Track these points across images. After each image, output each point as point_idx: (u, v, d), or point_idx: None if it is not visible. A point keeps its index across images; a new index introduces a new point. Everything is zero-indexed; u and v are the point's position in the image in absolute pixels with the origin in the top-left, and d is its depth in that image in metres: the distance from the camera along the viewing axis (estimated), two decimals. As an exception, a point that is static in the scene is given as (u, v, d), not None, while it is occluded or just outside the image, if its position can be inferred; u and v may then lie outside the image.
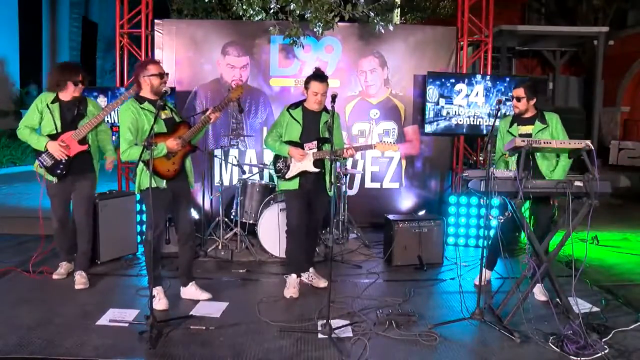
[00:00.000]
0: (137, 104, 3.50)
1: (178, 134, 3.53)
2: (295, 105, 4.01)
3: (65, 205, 4.10)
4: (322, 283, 4.10)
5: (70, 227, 4.17)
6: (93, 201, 4.31)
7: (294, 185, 3.95)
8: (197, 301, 3.74)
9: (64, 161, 3.91)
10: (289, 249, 4.09)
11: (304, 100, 3.99)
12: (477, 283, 3.95)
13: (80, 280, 4.04)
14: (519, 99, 3.93)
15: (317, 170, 3.93)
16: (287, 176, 3.95)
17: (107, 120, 5.29)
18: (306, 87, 3.91)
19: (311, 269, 4.20)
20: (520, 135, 3.90)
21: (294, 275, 4.01)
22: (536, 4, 14.75)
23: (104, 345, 3.03)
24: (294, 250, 4.04)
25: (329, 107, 3.54)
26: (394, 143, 3.97)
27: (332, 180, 3.40)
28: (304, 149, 3.92)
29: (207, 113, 3.59)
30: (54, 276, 4.15)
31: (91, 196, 4.19)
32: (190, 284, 3.82)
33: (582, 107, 12.86)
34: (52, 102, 3.92)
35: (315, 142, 3.93)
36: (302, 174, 3.93)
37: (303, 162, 3.91)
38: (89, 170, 4.09)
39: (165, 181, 3.51)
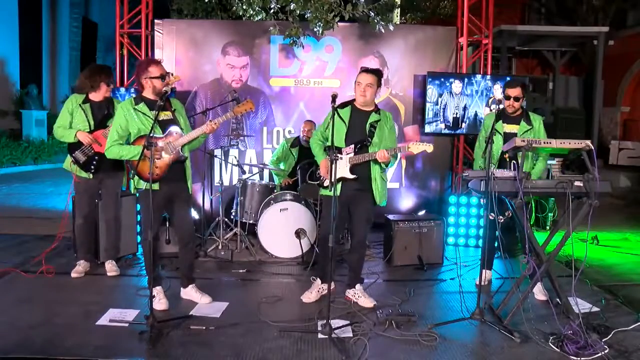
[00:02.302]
0: (131, 105, 3.50)
1: (168, 139, 3.48)
2: (344, 104, 3.77)
3: (91, 202, 4.30)
4: (369, 303, 3.75)
5: (92, 225, 4.36)
6: (119, 198, 4.48)
7: (335, 192, 3.68)
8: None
9: (96, 158, 4.13)
10: (320, 256, 3.94)
11: (354, 100, 3.78)
12: (478, 283, 3.97)
13: (112, 268, 4.33)
14: (517, 99, 3.94)
15: (353, 177, 3.65)
16: (325, 184, 3.76)
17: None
18: (355, 81, 3.71)
19: (358, 286, 3.87)
20: (505, 134, 3.97)
21: (319, 281, 3.90)
22: (536, 4, 14.74)
23: (104, 345, 3.03)
24: (324, 258, 3.85)
25: (332, 106, 3.44)
26: (426, 143, 3.63)
27: (333, 179, 3.36)
28: (341, 153, 3.68)
29: (204, 126, 3.49)
30: (73, 274, 4.21)
31: (118, 193, 4.41)
32: (190, 286, 3.81)
33: (582, 107, 12.84)
34: (84, 103, 4.15)
35: (353, 146, 3.65)
36: (341, 181, 3.69)
37: (340, 168, 3.63)
38: (118, 168, 4.28)
39: (157, 182, 3.47)
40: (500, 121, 3.99)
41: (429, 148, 3.63)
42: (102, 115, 4.17)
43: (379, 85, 3.70)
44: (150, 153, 3.20)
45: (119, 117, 3.51)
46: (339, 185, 3.69)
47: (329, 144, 3.66)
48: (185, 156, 3.59)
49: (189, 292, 3.79)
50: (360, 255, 3.90)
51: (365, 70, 3.71)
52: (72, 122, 4.12)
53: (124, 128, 3.50)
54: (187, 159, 3.65)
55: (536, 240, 3.49)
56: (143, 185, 3.48)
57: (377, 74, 3.69)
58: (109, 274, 4.30)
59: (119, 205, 4.42)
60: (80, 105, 4.12)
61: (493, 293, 3.94)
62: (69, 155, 4.19)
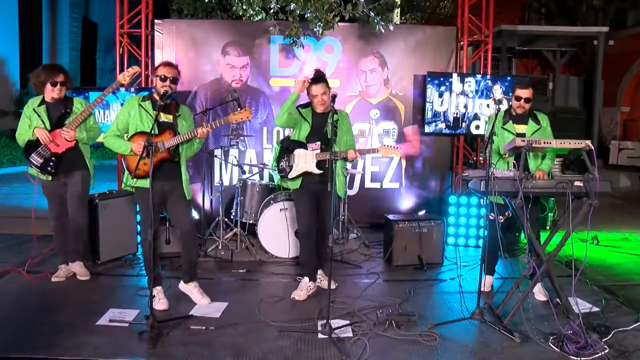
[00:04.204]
0: (138, 100, 3.57)
1: (161, 138, 3.50)
2: (306, 105, 3.98)
3: (60, 204, 4.13)
4: (331, 286, 4.05)
5: (66, 228, 4.19)
6: (86, 199, 4.27)
7: (295, 184, 3.93)
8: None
9: (53, 159, 3.95)
10: (302, 252, 4.06)
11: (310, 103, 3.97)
12: (484, 289, 3.99)
13: (81, 271, 4.21)
14: (528, 100, 3.86)
15: (319, 172, 3.87)
16: (289, 176, 3.92)
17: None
18: (307, 93, 3.89)
19: (320, 271, 4.14)
20: (517, 134, 3.91)
21: (306, 279, 3.97)
22: (536, 4, 14.74)
23: (104, 345, 3.03)
24: (307, 254, 3.99)
25: (331, 106, 3.51)
26: (397, 148, 3.96)
27: (332, 179, 3.38)
28: (307, 149, 3.89)
29: (194, 128, 3.54)
30: (53, 279, 4.15)
31: (83, 194, 4.15)
32: (193, 283, 3.80)
33: (582, 107, 12.85)
34: (39, 105, 3.97)
35: (319, 143, 3.88)
36: (305, 175, 3.90)
37: (306, 162, 3.87)
38: (80, 167, 4.09)
39: (146, 180, 3.47)
40: (511, 121, 3.94)
41: (398, 153, 3.91)
42: (58, 115, 3.97)
43: (329, 87, 3.86)
44: (150, 153, 3.21)
45: (123, 110, 3.57)
46: (299, 179, 3.90)
47: (295, 138, 3.94)
48: (175, 158, 3.59)
49: (190, 290, 3.78)
50: (324, 245, 4.06)
51: (315, 80, 3.82)
52: (30, 126, 3.93)
53: (124, 122, 3.56)
54: (183, 162, 3.67)
55: (536, 240, 3.49)
56: (132, 181, 3.53)
57: (323, 79, 3.83)
58: (80, 278, 4.17)
59: (82, 208, 4.16)
60: (34, 109, 3.94)
61: (493, 293, 3.94)
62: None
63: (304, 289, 3.92)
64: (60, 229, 4.16)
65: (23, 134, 3.98)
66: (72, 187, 4.08)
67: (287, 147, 3.98)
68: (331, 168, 3.40)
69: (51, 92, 3.94)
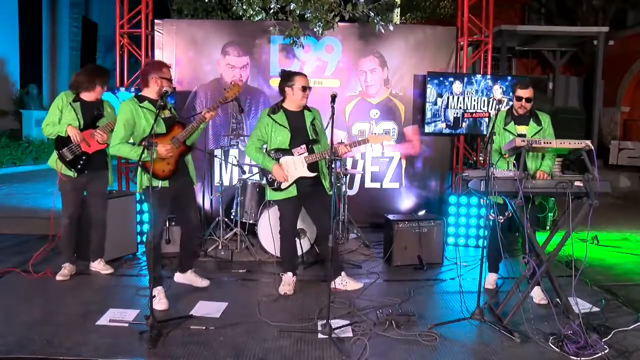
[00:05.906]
0: (136, 102, 3.53)
1: (172, 134, 3.53)
2: (275, 108, 3.87)
3: (77, 201, 4.23)
4: (358, 284, 4.09)
5: (76, 226, 4.29)
6: (106, 197, 4.49)
7: (292, 192, 3.86)
8: (197, 301, 3.73)
9: (84, 157, 4.10)
10: (284, 249, 4.08)
11: (282, 102, 3.89)
12: (487, 286, 4.02)
13: (105, 266, 4.38)
14: (529, 100, 3.82)
15: (313, 174, 3.84)
16: (283, 186, 3.86)
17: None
18: (289, 85, 3.78)
19: (343, 273, 4.09)
20: (518, 135, 3.90)
21: (289, 274, 4.04)
22: (536, 4, 14.74)
23: (104, 345, 3.04)
24: (289, 250, 4.07)
25: (331, 107, 3.48)
26: (385, 134, 3.93)
27: (332, 179, 3.39)
28: (293, 154, 3.83)
29: (202, 112, 3.58)
30: (58, 277, 4.16)
31: (105, 192, 4.43)
32: (190, 270, 3.83)
33: (582, 107, 12.85)
34: (74, 101, 4.09)
35: (304, 146, 3.83)
36: (297, 180, 3.85)
37: (297, 169, 3.82)
38: (104, 167, 4.29)
39: (167, 180, 3.51)
40: (512, 122, 3.91)
41: (387, 138, 3.90)
42: (91, 116, 4.12)
43: None
44: (151, 153, 3.22)
45: (125, 114, 3.50)
46: (294, 186, 3.86)
47: (274, 146, 3.83)
48: (192, 147, 3.68)
49: (188, 276, 3.81)
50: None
51: (304, 74, 3.86)
52: (61, 119, 4.04)
53: (131, 125, 3.51)
54: (189, 153, 3.71)
55: (536, 240, 3.49)
56: (158, 183, 3.51)
57: None
58: (102, 272, 4.34)
59: (106, 205, 4.43)
60: (70, 103, 4.05)
61: (496, 290, 3.94)
62: (54, 152, 4.11)
63: (290, 283, 3.98)
64: (70, 228, 4.22)
65: (51, 126, 4.03)
66: (96, 185, 4.27)
67: (271, 159, 3.87)
68: (331, 168, 3.40)
69: (97, 94, 4.13)
